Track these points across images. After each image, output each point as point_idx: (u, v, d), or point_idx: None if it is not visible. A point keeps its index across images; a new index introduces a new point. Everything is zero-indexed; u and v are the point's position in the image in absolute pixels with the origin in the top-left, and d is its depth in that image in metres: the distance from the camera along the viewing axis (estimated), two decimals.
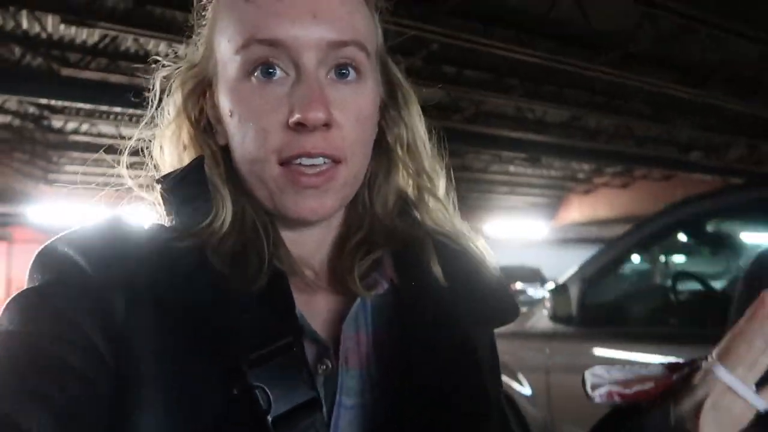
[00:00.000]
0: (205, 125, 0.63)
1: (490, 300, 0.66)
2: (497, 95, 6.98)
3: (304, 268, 0.61)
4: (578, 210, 13.52)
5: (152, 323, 0.52)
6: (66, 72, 5.88)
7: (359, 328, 0.60)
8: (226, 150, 0.61)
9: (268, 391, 0.49)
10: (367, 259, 0.62)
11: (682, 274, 3.07)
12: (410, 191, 0.69)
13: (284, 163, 0.55)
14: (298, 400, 0.50)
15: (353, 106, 0.57)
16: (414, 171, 0.67)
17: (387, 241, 0.64)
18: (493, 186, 12.75)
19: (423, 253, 0.64)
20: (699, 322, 2.64)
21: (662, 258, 3.38)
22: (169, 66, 0.64)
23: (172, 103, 0.64)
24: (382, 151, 0.66)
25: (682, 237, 3.22)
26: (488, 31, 5.38)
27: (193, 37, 0.64)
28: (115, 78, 6.06)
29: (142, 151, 0.65)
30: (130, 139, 0.65)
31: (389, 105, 0.65)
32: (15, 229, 12.03)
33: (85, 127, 8.12)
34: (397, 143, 0.66)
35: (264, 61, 0.54)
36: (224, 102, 0.58)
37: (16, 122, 7.44)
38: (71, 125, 7.95)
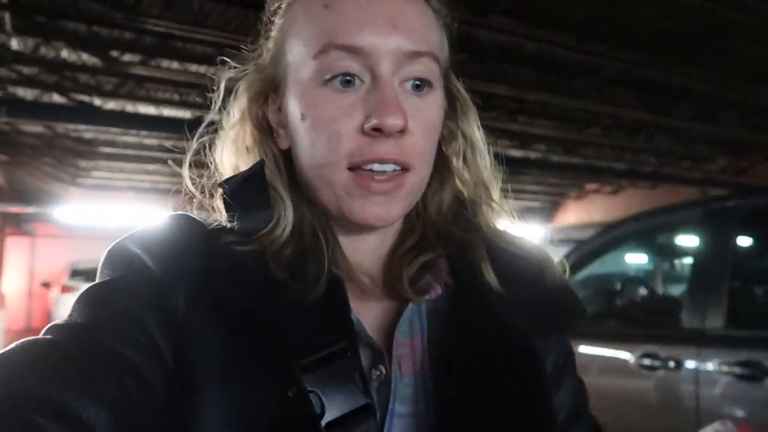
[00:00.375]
0: (266, 129, 0.64)
1: (552, 304, 0.64)
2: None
3: (360, 275, 0.61)
4: (574, 213, 14.14)
5: (211, 324, 0.52)
6: (98, 101, 6.35)
7: (413, 334, 0.59)
8: (285, 155, 0.63)
9: (321, 395, 0.50)
10: (416, 262, 0.62)
11: (629, 279, 3.60)
12: (467, 197, 0.69)
13: (354, 168, 0.56)
14: (352, 406, 0.50)
15: (424, 115, 0.58)
16: (470, 181, 0.67)
17: (441, 245, 0.64)
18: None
19: (477, 258, 0.63)
20: (640, 321, 3.11)
21: (616, 263, 3.80)
22: (235, 68, 0.65)
23: (237, 106, 0.64)
24: (439, 159, 0.65)
25: (632, 247, 3.69)
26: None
27: (261, 40, 0.64)
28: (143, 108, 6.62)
29: (204, 153, 0.66)
30: (190, 141, 0.65)
31: (449, 115, 0.65)
32: (38, 225, 12.56)
33: (112, 137, 8.72)
34: (454, 154, 0.67)
35: (343, 71, 0.55)
36: (295, 106, 0.58)
37: (49, 133, 8.00)
38: (102, 137, 8.54)
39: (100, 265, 0.55)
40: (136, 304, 0.51)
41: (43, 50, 5.32)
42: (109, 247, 0.56)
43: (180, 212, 0.62)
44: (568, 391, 0.67)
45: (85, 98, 6.23)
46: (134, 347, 0.49)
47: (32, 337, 0.48)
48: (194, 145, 0.65)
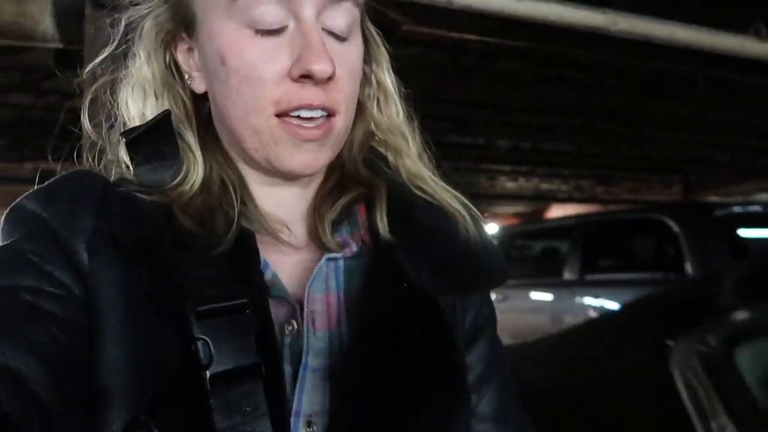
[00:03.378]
0: (174, 73, 0.61)
1: (470, 264, 0.63)
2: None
3: (279, 227, 0.60)
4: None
5: (114, 271, 0.52)
6: None
7: (329, 290, 0.59)
8: (198, 100, 0.61)
9: (212, 345, 0.49)
10: (337, 205, 0.61)
11: (546, 248, 6.00)
12: (386, 143, 0.67)
13: (281, 114, 0.54)
14: (241, 362, 0.49)
15: (348, 61, 0.57)
16: (385, 128, 0.66)
17: (354, 186, 0.63)
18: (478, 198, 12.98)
19: (374, 201, 0.62)
20: (544, 272, 5.40)
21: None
22: (137, 6, 0.61)
23: (142, 47, 0.60)
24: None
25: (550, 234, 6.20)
26: None
27: None
28: None
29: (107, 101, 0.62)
30: (88, 88, 0.61)
31: (364, 59, 0.63)
32: None
33: None
34: (367, 98, 0.66)
35: (266, 13, 0.53)
36: (212, 49, 0.56)
37: None
38: None
39: (1, 226, 0.55)
40: (44, 260, 0.51)
41: None
42: (9, 208, 0.55)
43: (78, 168, 0.61)
44: (481, 352, 0.66)
45: None
46: (52, 299, 0.49)
47: None
48: (91, 93, 0.63)
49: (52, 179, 0.57)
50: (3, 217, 0.55)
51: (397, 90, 0.67)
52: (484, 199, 9.72)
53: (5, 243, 0.53)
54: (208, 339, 0.49)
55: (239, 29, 0.54)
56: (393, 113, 0.67)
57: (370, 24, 0.65)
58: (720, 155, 7.99)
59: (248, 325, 0.51)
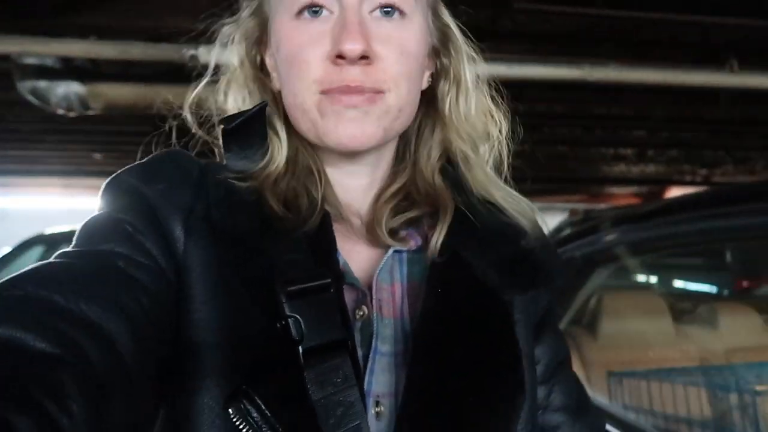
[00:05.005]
0: (263, 72, 0.67)
1: (531, 263, 0.65)
2: None
3: (351, 215, 0.63)
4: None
5: (207, 251, 0.54)
6: None
7: (394, 281, 0.61)
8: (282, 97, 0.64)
9: (302, 323, 0.51)
10: (401, 216, 0.63)
11: None
12: (457, 151, 0.68)
13: (324, 92, 0.57)
14: (330, 338, 0.52)
15: (396, 41, 0.58)
16: (456, 131, 0.67)
17: (426, 200, 0.65)
18: None
19: (441, 217, 0.63)
20: None
21: None
22: (229, 23, 0.67)
23: (236, 53, 0.66)
24: (431, 104, 0.67)
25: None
26: None
27: None
28: None
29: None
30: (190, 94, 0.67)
31: (441, 53, 0.66)
32: None
33: None
34: (441, 93, 0.67)
35: (310, 2, 0.57)
36: (275, 42, 0.61)
37: None
38: None
39: (99, 195, 0.57)
40: (138, 232, 0.53)
41: None
42: (108, 179, 0.58)
43: (176, 148, 0.64)
44: (545, 346, 0.69)
45: None
46: (143, 270, 0.51)
47: (46, 260, 0.49)
48: (193, 96, 0.67)
49: (150, 157, 0.60)
50: (103, 186, 0.57)
51: (477, 85, 0.67)
52: None
53: (104, 211, 0.55)
54: (298, 317, 0.51)
55: (290, 19, 0.59)
56: (465, 110, 0.67)
57: (447, 15, 0.67)
58: None
59: (334, 304, 0.54)
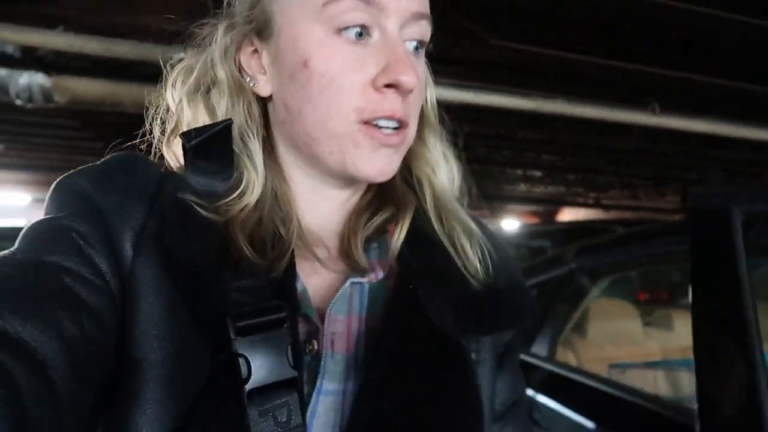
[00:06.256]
0: (239, 75, 0.60)
1: (494, 302, 0.61)
2: None
3: (316, 243, 0.60)
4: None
5: (157, 273, 0.51)
6: None
7: (352, 312, 0.58)
8: (259, 103, 0.60)
9: (250, 360, 0.48)
10: (370, 225, 0.61)
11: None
12: (416, 175, 0.67)
13: (363, 122, 0.55)
14: (278, 377, 0.49)
15: (421, 76, 0.59)
16: (418, 152, 0.66)
17: (390, 198, 0.63)
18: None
19: (399, 223, 0.62)
20: None
21: None
22: (206, 22, 0.62)
23: (217, 51, 0.60)
24: None
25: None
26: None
27: None
28: None
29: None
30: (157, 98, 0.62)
31: None
32: None
33: None
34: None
35: (359, 23, 0.54)
36: (297, 51, 0.55)
37: None
38: None
39: (48, 197, 0.53)
40: (88, 245, 0.50)
41: None
42: (59, 179, 0.54)
43: (135, 153, 0.60)
44: (502, 382, 0.66)
45: None
46: (89, 288, 0.47)
47: None
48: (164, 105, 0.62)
49: (106, 160, 0.56)
50: (52, 188, 0.53)
51: (436, 114, 0.68)
52: None
53: (52, 216, 0.52)
54: (247, 355, 0.49)
55: (327, 35, 0.55)
56: (426, 136, 0.66)
57: None
58: None
59: (285, 340, 0.51)
